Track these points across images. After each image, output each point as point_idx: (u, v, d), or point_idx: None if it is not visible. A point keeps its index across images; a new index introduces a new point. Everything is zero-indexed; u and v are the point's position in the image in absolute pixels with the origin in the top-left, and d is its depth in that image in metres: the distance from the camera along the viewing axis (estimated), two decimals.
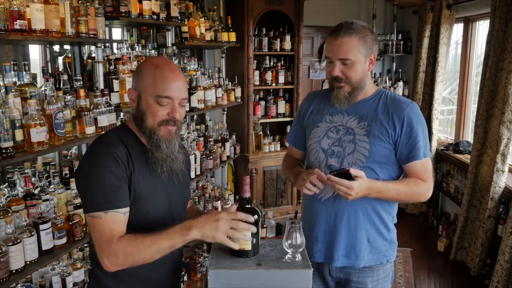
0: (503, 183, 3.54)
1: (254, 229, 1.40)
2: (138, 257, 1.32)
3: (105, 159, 1.37)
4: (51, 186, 2.24)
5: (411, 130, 1.72)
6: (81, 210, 2.23)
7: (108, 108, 2.48)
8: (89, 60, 2.77)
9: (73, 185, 2.32)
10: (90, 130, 2.33)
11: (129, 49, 3.20)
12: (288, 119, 4.80)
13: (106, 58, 2.79)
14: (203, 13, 3.95)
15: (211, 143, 3.91)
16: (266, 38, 4.54)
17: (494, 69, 3.55)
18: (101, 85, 2.70)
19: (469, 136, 4.65)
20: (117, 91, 2.74)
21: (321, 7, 5.05)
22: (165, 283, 1.56)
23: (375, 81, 5.28)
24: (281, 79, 4.69)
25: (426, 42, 4.87)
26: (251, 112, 4.51)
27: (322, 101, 1.90)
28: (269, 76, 4.63)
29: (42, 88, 2.22)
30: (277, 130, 4.99)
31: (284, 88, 4.77)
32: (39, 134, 1.98)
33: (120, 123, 2.61)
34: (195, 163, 3.50)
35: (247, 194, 1.49)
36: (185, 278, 3.33)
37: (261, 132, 4.71)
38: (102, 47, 2.71)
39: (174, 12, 3.37)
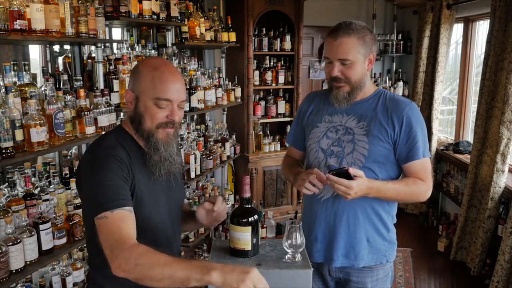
0: (503, 183, 3.54)
1: None
2: (147, 272, 1.21)
3: (110, 163, 1.34)
4: (51, 186, 2.24)
5: (410, 130, 1.72)
6: (81, 210, 2.22)
7: (108, 108, 2.48)
8: (89, 60, 2.77)
9: (73, 185, 2.32)
10: (90, 130, 2.33)
11: (129, 49, 3.20)
12: (288, 119, 4.80)
13: (106, 58, 2.80)
14: (203, 13, 3.96)
15: (211, 143, 3.91)
16: (266, 38, 4.55)
17: (494, 69, 3.55)
18: (101, 85, 2.70)
19: (469, 136, 4.65)
20: (117, 91, 2.75)
21: (321, 7, 5.05)
22: None
23: (375, 81, 5.29)
24: (281, 79, 4.69)
25: (426, 42, 4.87)
26: (251, 112, 4.52)
27: (321, 101, 1.90)
28: (269, 76, 4.63)
29: (42, 88, 2.22)
30: (277, 130, 4.99)
31: (284, 88, 4.77)
32: (39, 134, 1.98)
33: (120, 123, 2.61)
34: (195, 163, 3.50)
35: (247, 194, 1.49)
36: None
37: (261, 132, 4.71)
38: (102, 47, 2.71)
39: (174, 12, 3.37)
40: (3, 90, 1.97)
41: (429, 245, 4.34)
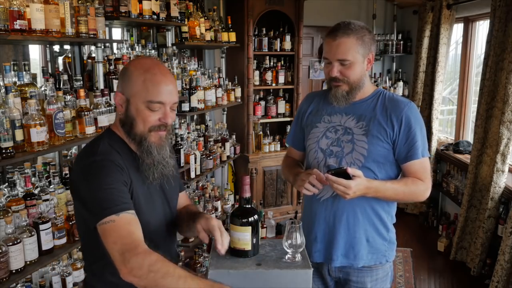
0: (503, 183, 3.54)
1: None
2: (160, 280, 1.16)
3: (109, 168, 1.30)
4: (51, 186, 2.24)
5: (409, 130, 1.72)
6: None
7: (108, 108, 2.48)
8: (89, 60, 2.77)
9: None
10: (90, 130, 2.33)
11: (129, 49, 3.20)
12: (288, 119, 4.80)
13: (106, 58, 2.80)
14: (203, 13, 3.96)
15: (211, 143, 3.91)
16: (266, 38, 4.55)
17: (494, 69, 3.55)
18: (101, 85, 2.70)
19: (469, 136, 4.65)
20: None
21: (321, 7, 5.05)
22: None
23: (375, 81, 5.29)
24: (281, 79, 4.69)
25: (426, 42, 4.87)
26: (251, 112, 4.51)
27: (321, 101, 1.90)
28: (269, 76, 4.63)
29: (42, 88, 2.22)
30: (277, 130, 4.99)
31: (284, 88, 4.77)
32: (39, 134, 1.98)
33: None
34: (195, 163, 3.50)
35: (247, 194, 1.49)
36: None
37: (261, 132, 4.71)
38: (102, 47, 2.71)
39: (174, 12, 3.38)
40: (3, 90, 1.97)
41: (429, 245, 4.34)
